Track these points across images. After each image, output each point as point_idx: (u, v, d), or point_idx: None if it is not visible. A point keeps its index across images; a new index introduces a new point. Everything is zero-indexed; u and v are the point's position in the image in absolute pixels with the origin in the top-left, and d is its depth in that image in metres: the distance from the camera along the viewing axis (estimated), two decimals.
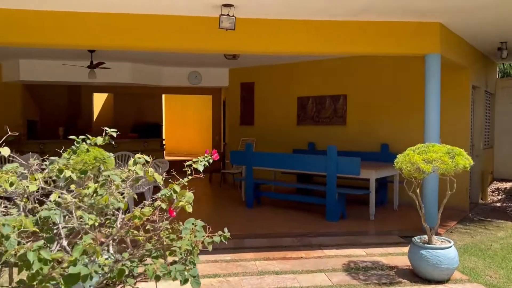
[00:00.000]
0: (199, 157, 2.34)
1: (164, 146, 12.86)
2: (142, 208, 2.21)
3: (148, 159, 2.37)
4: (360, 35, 5.54)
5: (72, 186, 2.28)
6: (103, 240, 2.12)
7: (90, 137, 2.51)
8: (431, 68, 5.61)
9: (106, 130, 2.46)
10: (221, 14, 4.55)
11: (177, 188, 2.22)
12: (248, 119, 10.13)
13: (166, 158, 13.45)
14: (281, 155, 7.28)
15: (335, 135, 8.72)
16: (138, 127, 12.90)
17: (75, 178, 2.27)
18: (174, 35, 5.29)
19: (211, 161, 2.34)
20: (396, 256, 4.85)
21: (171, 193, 2.23)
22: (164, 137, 13.31)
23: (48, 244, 2.13)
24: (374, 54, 6.81)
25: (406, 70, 7.70)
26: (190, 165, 2.34)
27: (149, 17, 5.08)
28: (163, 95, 13.60)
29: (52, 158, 2.46)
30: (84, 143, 2.46)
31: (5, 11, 4.80)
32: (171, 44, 5.40)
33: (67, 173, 2.25)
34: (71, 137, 2.53)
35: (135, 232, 2.32)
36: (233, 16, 4.57)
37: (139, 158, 2.35)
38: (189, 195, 2.23)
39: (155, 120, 13.06)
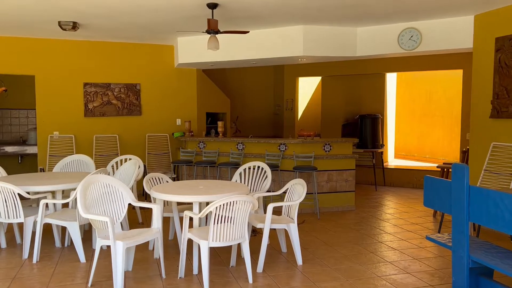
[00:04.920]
0: None
1: (383, 147, 9.05)
2: None
3: None
4: None
5: None
6: None
7: None
8: None
9: None
10: None
11: None
12: (508, 106, 5.27)
13: (394, 164, 9.55)
14: None
15: None
16: (349, 122, 9.57)
17: None
18: None
19: None
20: None
21: None
22: (384, 134, 9.42)
23: None
24: None
25: None
26: None
27: None
28: (387, 75, 9.61)
29: None
30: None
31: None
32: None
33: None
34: None
35: None
36: None
37: None
38: None
39: (375, 111, 9.34)
